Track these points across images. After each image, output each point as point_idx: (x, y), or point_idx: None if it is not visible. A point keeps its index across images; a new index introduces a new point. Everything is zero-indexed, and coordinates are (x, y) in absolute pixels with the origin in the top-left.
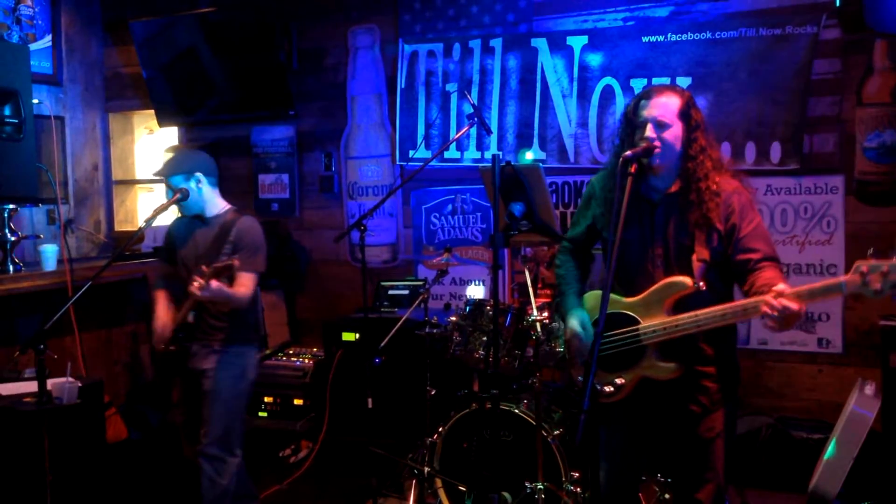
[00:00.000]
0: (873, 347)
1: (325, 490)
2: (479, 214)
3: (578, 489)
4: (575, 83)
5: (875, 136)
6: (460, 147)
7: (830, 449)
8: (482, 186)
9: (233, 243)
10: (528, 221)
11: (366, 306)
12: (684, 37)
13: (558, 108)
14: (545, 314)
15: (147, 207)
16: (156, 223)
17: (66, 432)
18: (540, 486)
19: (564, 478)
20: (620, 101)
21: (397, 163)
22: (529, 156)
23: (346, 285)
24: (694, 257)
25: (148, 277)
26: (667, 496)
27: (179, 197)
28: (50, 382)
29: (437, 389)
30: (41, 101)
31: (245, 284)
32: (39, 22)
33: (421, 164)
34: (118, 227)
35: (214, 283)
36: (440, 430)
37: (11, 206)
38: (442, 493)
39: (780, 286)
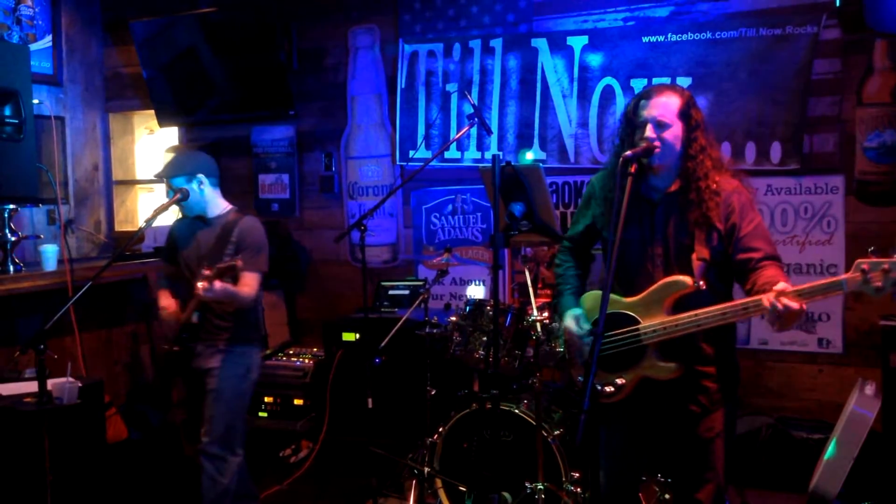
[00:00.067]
0: (873, 347)
1: (325, 490)
2: (479, 214)
3: (578, 489)
4: (575, 83)
5: (875, 136)
6: (461, 147)
7: (830, 449)
8: (482, 186)
9: (235, 244)
10: (528, 221)
11: (366, 306)
12: (684, 37)
13: (558, 108)
14: (545, 314)
15: (147, 208)
16: (156, 223)
17: (67, 432)
18: (540, 486)
19: (564, 478)
20: (621, 102)
21: (397, 163)
22: (530, 156)
23: (347, 285)
24: (694, 256)
25: (148, 278)
26: (667, 496)
27: (179, 197)
28: (50, 382)
29: (438, 389)
30: (41, 101)
31: (249, 284)
32: (40, 22)
33: (421, 164)
34: (118, 228)
35: (218, 284)
36: (440, 430)
37: (12, 207)
38: (442, 494)
39: (781, 285)
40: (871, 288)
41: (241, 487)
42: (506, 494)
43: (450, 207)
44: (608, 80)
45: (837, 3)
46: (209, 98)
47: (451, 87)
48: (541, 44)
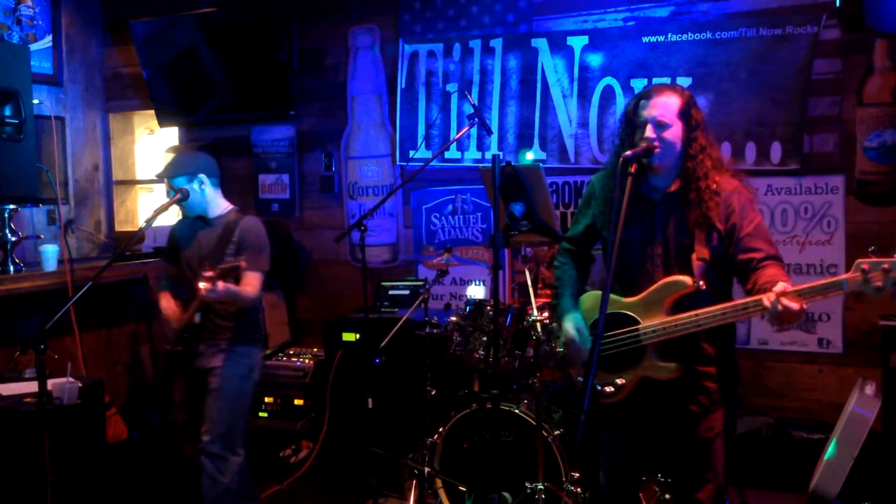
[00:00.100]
0: (874, 347)
1: (325, 490)
2: (479, 214)
3: (578, 489)
4: (575, 83)
5: (875, 136)
6: (461, 147)
7: (831, 449)
8: (482, 186)
9: (236, 243)
10: (528, 221)
11: (366, 306)
12: (684, 37)
13: (559, 108)
14: (545, 314)
15: (147, 208)
16: (156, 223)
17: (67, 432)
18: (540, 486)
19: (565, 478)
20: (621, 102)
21: (397, 163)
22: (530, 156)
23: (347, 285)
24: (694, 256)
25: (148, 278)
26: (667, 496)
27: (180, 197)
28: (50, 382)
29: (438, 389)
30: (41, 101)
31: (251, 283)
32: (40, 22)
33: (421, 164)
34: (118, 228)
35: (221, 285)
36: (440, 430)
37: (12, 207)
38: (442, 494)
39: (781, 285)
40: (871, 288)
41: (241, 487)
42: (506, 494)
43: (450, 207)
44: (608, 80)
45: (837, 3)
46: (209, 98)
47: (452, 88)
48: (541, 44)
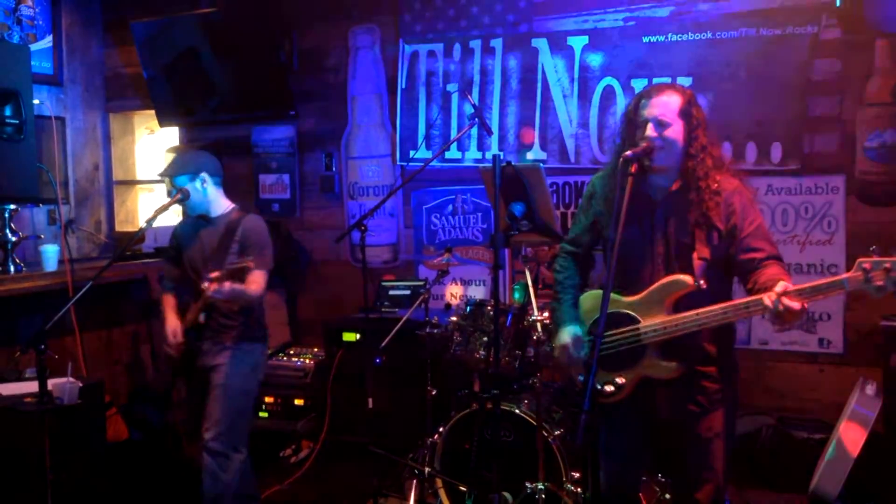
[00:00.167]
0: (874, 347)
1: (325, 490)
2: (479, 214)
3: (579, 489)
4: (576, 83)
5: (876, 136)
6: (461, 147)
7: (831, 449)
8: (482, 186)
9: (240, 242)
10: (528, 222)
11: (366, 306)
12: (685, 37)
13: (559, 108)
14: (546, 314)
15: (148, 208)
16: (157, 223)
17: (67, 432)
18: (540, 486)
19: (565, 478)
20: (621, 102)
21: (398, 163)
22: (529, 156)
23: (347, 285)
24: (694, 256)
25: (149, 278)
26: (667, 496)
27: (180, 197)
28: (51, 382)
29: (438, 389)
30: (42, 101)
31: (256, 282)
32: (40, 22)
33: (422, 164)
34: (119, 228)
35: (228, 285)
36: (441, 430)
37: (12, 207)
38: (442, 494)
39: (782, 284)
40: (872, 287)
41: (243, 487)
42: (506, 494)
43: (450, 207)
44: (609, 80)
45: (837, 3)
46: (209, 98)
47: (452, 88)
48: (541, 44)
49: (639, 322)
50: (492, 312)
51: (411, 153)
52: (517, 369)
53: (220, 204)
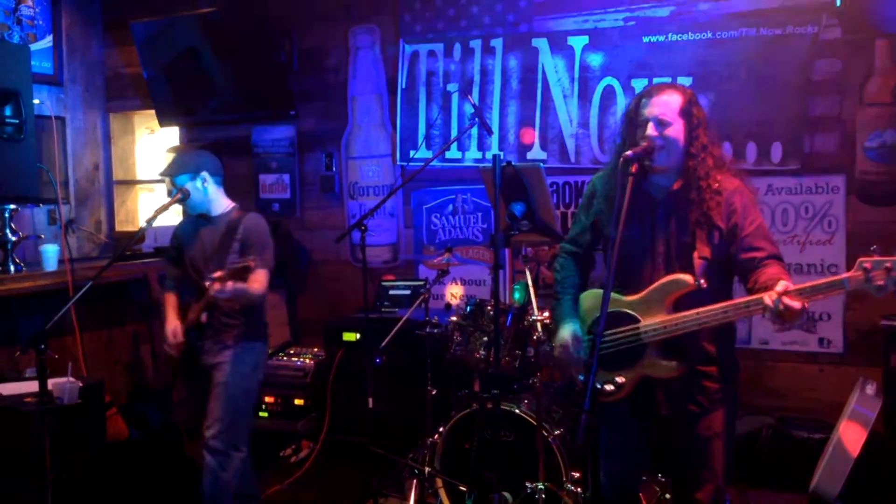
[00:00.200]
0: (875, 347)
1: (325, 490)
2: (479, 214)
3: (579, 489)
4: (576, 83)
5: (876, 136)
6: (461, 147)
7: (831, 449)
8: (483, 186)
9: (241, 241)
10: (528, 221)
11: (366, 306)
12: (685, 37)
13: (559, 108)
14: (546, 314)
15: (148, 207)
16: (157, 223)
17: (67, 432)
18: (540, 486)
19: (565, 478)
20: (621, 102)
21: (398, 163)
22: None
23: (347, 285)
24: (695, 255)
25: (149, 278)
26: (667, 496)
27: (181, 196)
28: (51, 382)
29: (438, 389)
30: (42, 101)
31: (259, 280)
32: (40, 22)
33: (422, 164)
34: (119, 227)
35: (230, 284)
36: (441, 430)
37: (12, 206)
38: (442, 493)
39: (783, 283)
40: (873, 286)
41: (244, 487)
42: (506, 494)
43: (450, 207)
44: (609, 80)
45: (837, 3)
46: (210, 98)
47: (452, 87)
48: (541, 44)
49: (639, 321)
50: (492, 312)
51: (411, 153)
52: (517, 369)
53: (220, 203)
